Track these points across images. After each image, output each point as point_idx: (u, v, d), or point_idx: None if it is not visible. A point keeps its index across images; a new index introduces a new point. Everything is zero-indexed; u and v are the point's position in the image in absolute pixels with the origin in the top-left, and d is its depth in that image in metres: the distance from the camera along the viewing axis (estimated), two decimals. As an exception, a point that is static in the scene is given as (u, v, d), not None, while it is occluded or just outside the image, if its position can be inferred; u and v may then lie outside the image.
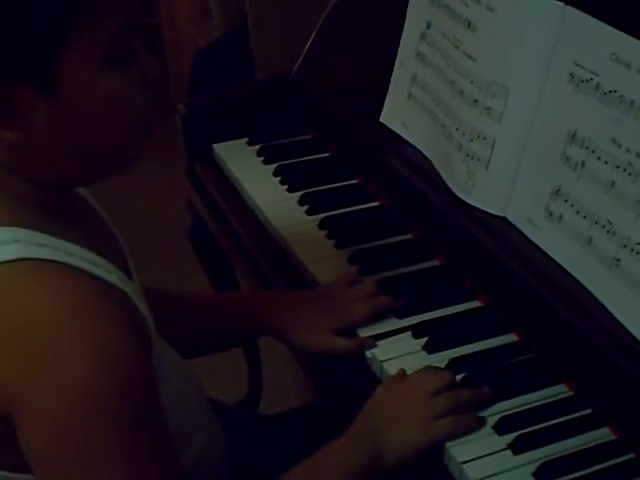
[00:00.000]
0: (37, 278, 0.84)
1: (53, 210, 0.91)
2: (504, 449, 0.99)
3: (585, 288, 1.05)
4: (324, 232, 1.36)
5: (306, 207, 1.41)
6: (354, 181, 1.47)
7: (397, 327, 1.16)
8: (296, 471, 0.99)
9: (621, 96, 1.02)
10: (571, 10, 1.10)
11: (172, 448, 0.90)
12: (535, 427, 1.01)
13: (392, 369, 1.10)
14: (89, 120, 0.86)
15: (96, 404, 0.82)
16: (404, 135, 1.37)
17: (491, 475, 0.96)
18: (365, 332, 1.16)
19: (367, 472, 0.99)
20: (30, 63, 0.81)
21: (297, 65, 1.62)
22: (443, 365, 1.09)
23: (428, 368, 1.08)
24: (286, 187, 1.47)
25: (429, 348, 1.12)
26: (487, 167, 1.20)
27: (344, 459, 1.00)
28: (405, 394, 1.04)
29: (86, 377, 0.82)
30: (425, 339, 1.13)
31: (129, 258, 1.03)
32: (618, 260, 1.01)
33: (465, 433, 1.00)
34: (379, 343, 1.14)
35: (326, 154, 1.55)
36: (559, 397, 1.05)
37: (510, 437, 1.00)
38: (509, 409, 1.03)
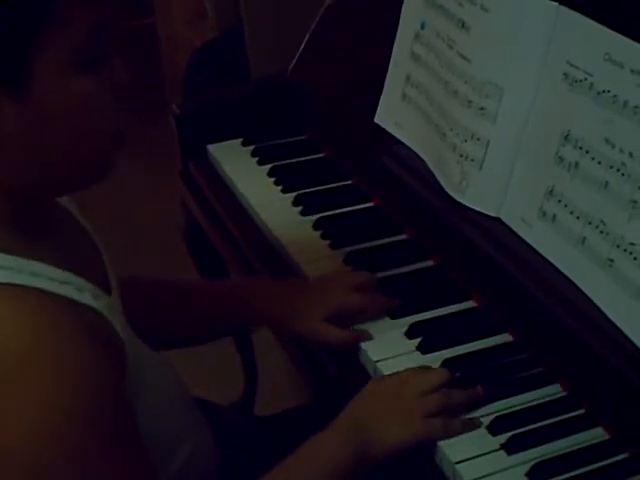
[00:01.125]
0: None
1: (24, 223, 0.88)
2: (498, 449, 0.99)
3: (579, 288, 1.05)
4: (318, 233, 1.36)
5: (300, 208, 1.41)
6: (348, 182, 1.47)
7: (391, 327, 1.16)
8: (281, 466, 0.98)
9: (614, 96, 1.02)
10: (565, 10, 1.10)
11: (150, 470, 0.90)
12: (529, 427, 1.01)
13: (386, 369, 1.09)
14: (59, 122, 0.84)
15: (64, 436, 0.80)
16: (398, 135, 1.37)
17: (485, 475, 0.96)
18: (359, 332, 1.16)
19: (352, 464, 0.99)
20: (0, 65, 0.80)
21: (292, 65, 1.62)
22: (437, 366, 1.09)
23: (421, 367, 1.07)
24: (280, 188, 1.46)
25: (423, 348, 1.12)
26: (481, 167, 1.20)
27: (329, 452, 0.99)
28: (395, 389, 1.03)
29: (49, 409, 0.80)
30: (419, 339, 1.13)
31: (111, 272, 1.01)
32: (612, 260, 1.01)
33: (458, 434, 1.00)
34: (373, 343, 1.14)
35: (321, 154, 1.55)
36: (553, 397, 1.05)
37: (504, 437, 1.00)
38: (503, 409, 1.03)
